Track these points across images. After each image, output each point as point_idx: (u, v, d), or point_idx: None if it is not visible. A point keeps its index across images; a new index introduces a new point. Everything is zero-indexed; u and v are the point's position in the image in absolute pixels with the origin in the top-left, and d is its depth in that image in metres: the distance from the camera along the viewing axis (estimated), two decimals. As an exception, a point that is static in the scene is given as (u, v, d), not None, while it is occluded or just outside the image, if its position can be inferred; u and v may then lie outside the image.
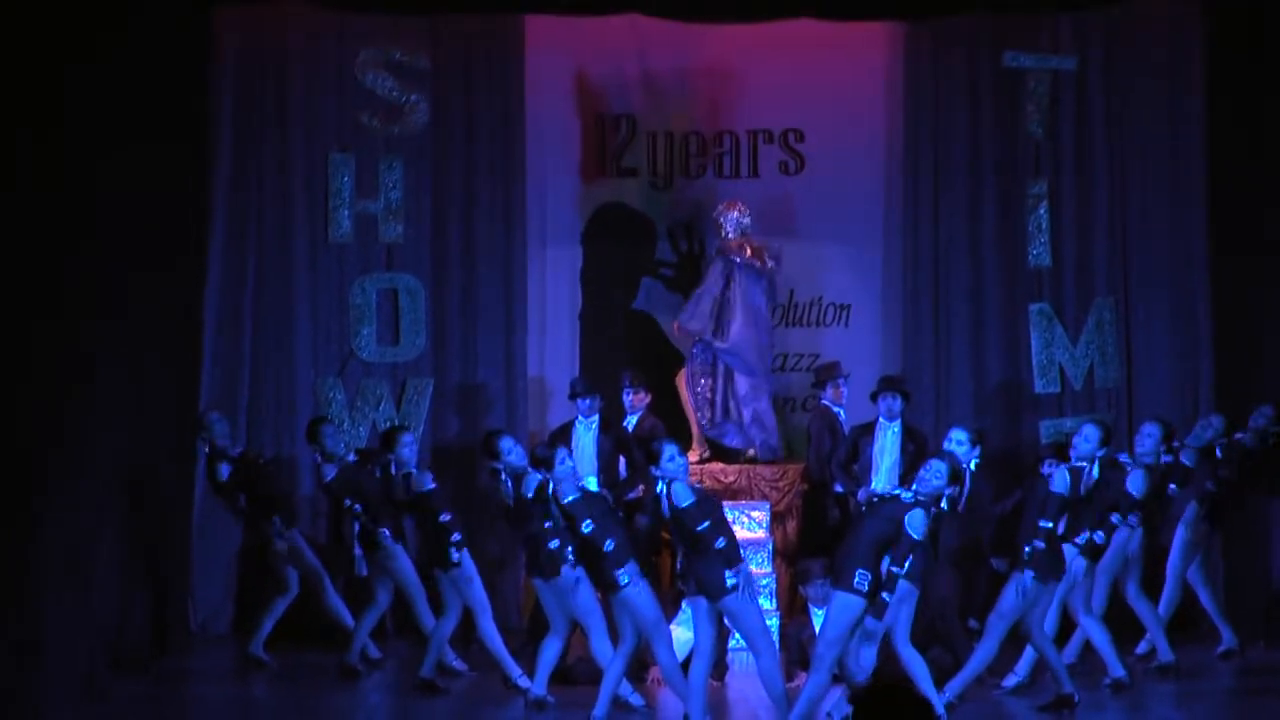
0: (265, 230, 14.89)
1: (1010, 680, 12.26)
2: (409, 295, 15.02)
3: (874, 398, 13.96)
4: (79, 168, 11.43)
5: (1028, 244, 15.14)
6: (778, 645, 11.81)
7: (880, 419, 13.89)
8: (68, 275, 11.20)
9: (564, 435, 14.01)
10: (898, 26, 15.16)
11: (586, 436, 14.01)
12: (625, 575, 11.12)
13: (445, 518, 12.43)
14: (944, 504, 11.05)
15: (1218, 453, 13.22)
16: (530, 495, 11.62)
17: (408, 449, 12.78)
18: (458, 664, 13.04)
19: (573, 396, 14.12)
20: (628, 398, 14.27)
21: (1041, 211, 15.14)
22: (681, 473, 10.91)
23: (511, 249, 15.09)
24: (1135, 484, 12.54)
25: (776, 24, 14.69)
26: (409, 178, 15.01)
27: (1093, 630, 12.30)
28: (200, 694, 12.93)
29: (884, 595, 10.61)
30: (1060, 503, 11.56)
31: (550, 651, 11.79)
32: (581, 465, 13.58)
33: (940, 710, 11.05)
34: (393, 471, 12.74)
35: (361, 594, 13.21)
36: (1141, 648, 13.22)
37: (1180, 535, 13.42)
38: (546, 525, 11.48)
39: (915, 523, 10.69)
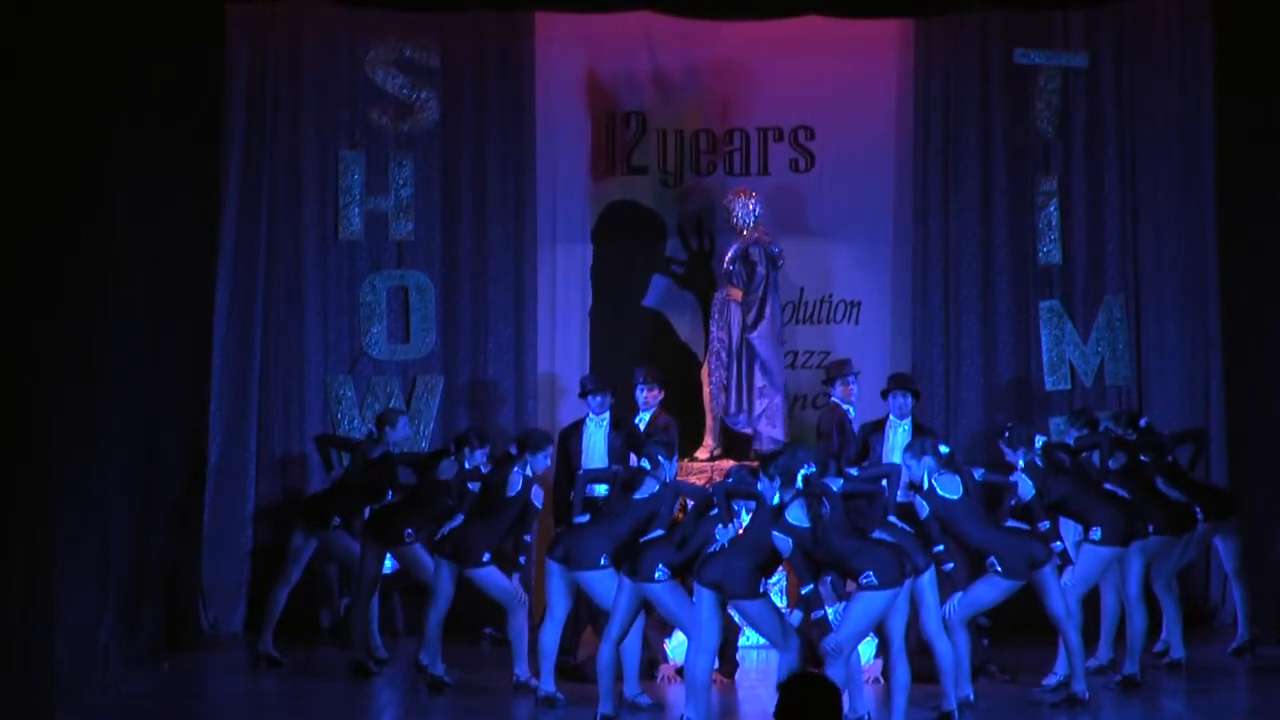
0: (276, 228, 14.89)
1: (1050, 679, 12.20)
2: (419, 293, 15.02)
3: (884, 395, 13.92)
4: (89, 164, 11.43)
5: (1038, 241, 15.14)
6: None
7: (890, 417, 13.85)
8: (76, 274, 11.21)
9: (575, 433, 14.02)
10: (908, 23, 15.14)
11: (597, 434, 13.99)
12: (661, 571, 10.97)
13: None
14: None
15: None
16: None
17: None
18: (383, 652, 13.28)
19: (583, 394, 14.09)
20: (641, 394, 14.18)
21: (1052, 209, 15.14)
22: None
23: (522, 246, 15.09)
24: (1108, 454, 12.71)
25: (787, 21, 14.64)
26: (419, 175, 15.02)
27: (1136, 615, 12.28)
28: (211, 690, 12.95)
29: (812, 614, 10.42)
30: (1033, 504, 11.68)
31: (548, 641, 11.70)
32: (592, 463, 13.61)
33: (952, 706, 11.06)
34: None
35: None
36: (1161, 646, 13.18)
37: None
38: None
39: (779, 544, 10.41)
